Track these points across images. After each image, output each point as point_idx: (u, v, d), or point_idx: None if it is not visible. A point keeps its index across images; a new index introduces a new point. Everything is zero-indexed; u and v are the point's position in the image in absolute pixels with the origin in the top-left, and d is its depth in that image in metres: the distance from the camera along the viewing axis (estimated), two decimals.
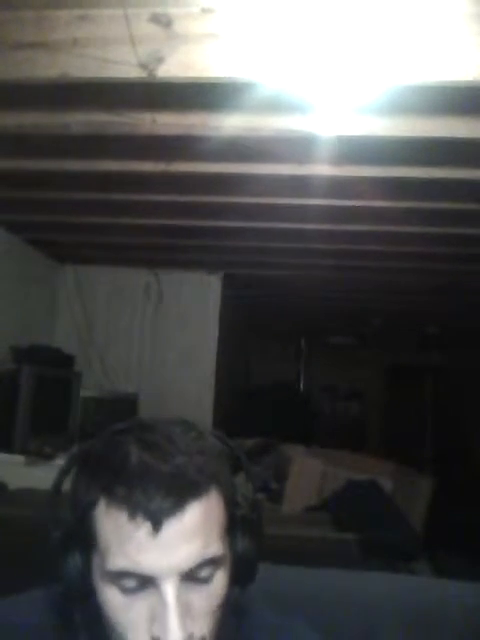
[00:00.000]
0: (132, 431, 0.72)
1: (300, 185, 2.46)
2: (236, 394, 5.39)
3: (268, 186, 2.52)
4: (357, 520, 2.39)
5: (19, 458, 2.69)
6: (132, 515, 0.66)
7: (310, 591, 1.06)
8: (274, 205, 2.75)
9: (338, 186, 2.47)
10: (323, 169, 2.29)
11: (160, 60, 1.47)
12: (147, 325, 4.11)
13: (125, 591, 0.67)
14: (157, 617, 0.66)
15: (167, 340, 4.09)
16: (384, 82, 1.57)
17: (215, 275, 4.17)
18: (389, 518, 2.58)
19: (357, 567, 1.60)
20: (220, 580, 0.70)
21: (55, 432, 3.19)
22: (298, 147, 2.10)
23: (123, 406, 3.70)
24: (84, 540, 0.70)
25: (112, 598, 0.68)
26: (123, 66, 1.48)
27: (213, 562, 0.69)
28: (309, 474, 2.86)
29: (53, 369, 3.31)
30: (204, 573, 0.68)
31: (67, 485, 0.75)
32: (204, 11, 1.45)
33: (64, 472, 0.75)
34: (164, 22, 1.46)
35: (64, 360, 3.61)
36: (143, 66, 1.48)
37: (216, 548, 0.69)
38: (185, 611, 0.66)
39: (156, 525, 0.65)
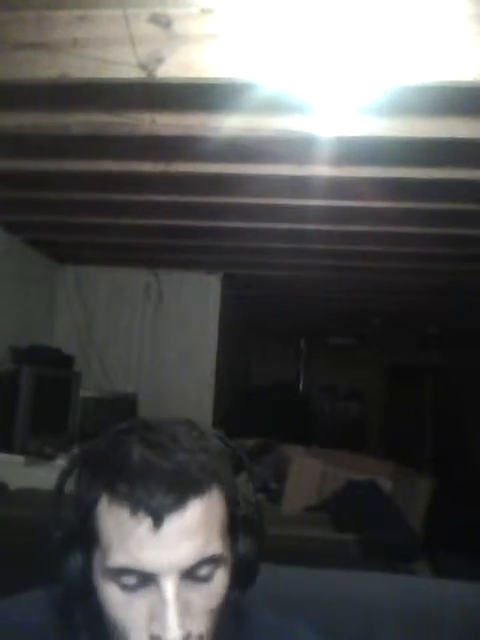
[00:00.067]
0: (135, 430, 0.72)
1: (300, 185, 2.46)
2: (236, 394, 5.39)
3: (268, 186, 2.52)
4: (357, 520, 2.39)
5: (19, 458, 2.69)
6: (134, 511, 0.66)
7: (310, 592, 1.06)
8: (274, 205, 2.75)
9: (338, 187, 2.47)
10: (323, 170, 2.30)
11: (160, 60, 1.48)
12: (147, 325, 4.11)
13: (125, 589, 0.67)
14: (156, 615, 0.66)
15: (167, 340, 4.09)
16: (384, 82, 1.57)
17: (215, 275, 4.17)
18: (389, 518, 2.58)
19: (357, 567, 1.60)
20: (220, 579, 0.70)
21: (55, 432, 3.19)
22: (298, 147, 2.10)
23: (123, 406, 3.70)
24: (86, 539, 0.70)
25: (112, 596, 0.68)
26: (123, 66, 1.48)
27: (213, 561, 0.69)
28: (309, 474, 2.86)
29: (53, 369, 3.31)
30: (204, 571, 0.68)
31: (69, 485, 0.75)
32: (204, 11, 1.45)
33: (66, 472, 0.76)
34: (164, 22, 1.46)
35: (64, 360, 3.61)
36: (143, 66, 1.48)
37: (216, 547, 0.69)
38: (184, 609, 0.66)
39: (157, 521, 0.65)
